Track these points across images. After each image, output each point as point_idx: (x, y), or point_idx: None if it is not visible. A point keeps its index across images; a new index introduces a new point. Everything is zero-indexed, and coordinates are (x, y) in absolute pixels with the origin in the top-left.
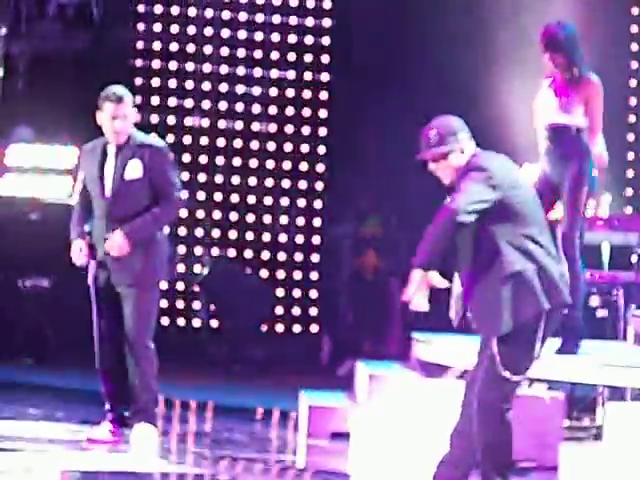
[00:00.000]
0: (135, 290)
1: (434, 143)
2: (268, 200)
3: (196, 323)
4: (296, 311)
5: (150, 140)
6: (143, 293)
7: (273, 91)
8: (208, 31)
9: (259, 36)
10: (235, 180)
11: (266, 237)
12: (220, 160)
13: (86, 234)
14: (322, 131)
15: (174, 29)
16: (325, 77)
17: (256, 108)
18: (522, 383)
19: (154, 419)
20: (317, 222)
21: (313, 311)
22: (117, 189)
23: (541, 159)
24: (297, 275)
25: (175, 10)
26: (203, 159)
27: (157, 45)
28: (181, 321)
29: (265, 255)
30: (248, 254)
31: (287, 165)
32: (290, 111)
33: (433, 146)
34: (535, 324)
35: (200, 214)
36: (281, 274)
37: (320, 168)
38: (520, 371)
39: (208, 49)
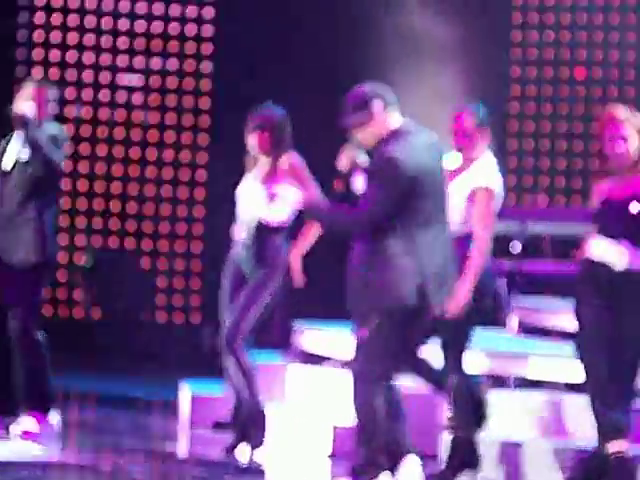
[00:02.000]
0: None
1: (350, 110)
2: (151, 190)
3: (79, 313)
4: (178, 301)
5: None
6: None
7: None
8: (89, 21)
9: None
10: (117, 170)
11: (147, 227)
12: (102, 150)
13: None
14: (204, 121)
15: (56, 20)
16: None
17: (137, 98)
18: None
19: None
20: (200, 212)
21: (195, 301)
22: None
23: None
24: (179, 265)
25: (57, 1)
26: (84, 149)
27: (38, 35)
28: (64, 311)
29: (147, 245)
30: (130, 244)
31: (170, 155)
32: (171, 101)
33: (350, 113)
34: None
35: (82, 204)
36: (163, 264)
37: (202, 159)
38: None
39: (90, 39)
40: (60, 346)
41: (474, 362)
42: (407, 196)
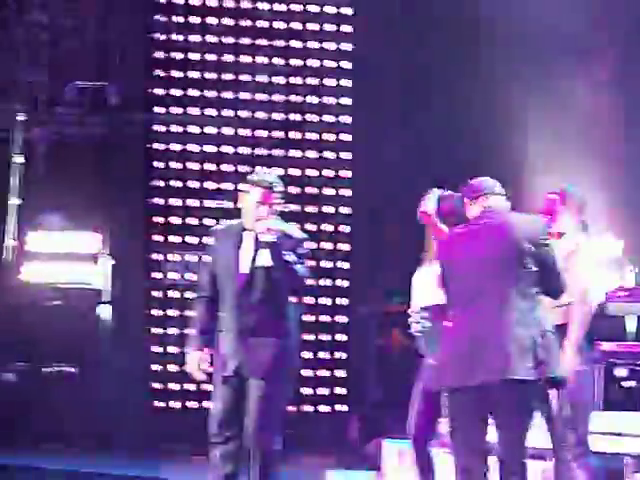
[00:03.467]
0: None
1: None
2: None
3: None
4: (323, 391)
5: (289, 229)
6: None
7: (296, 171)
8: (227, 112)
9: (278, 116)
10: None
11: None
12: None
13: (207, 342)
14: (345, 210)
15: (193, 111)
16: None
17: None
18: None
19: None
20: (343, 301)
21: (341, 390)
22: (250, 275)
23: None
24: (325, 355)
25: (193, 92)
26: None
27: (175, 128)
28: (207, 404)
29: None
30: None
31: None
32: (313, 190)
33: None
34: None
35: None
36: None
37: (345, 247)
38: None
39: (229, 130)
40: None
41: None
42: None
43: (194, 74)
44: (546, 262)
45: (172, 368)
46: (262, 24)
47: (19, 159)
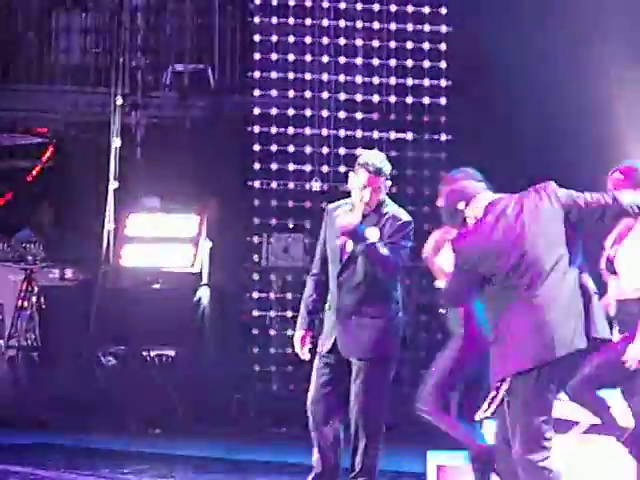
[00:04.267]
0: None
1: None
2: None
3: None
4: None
5: (396, 212)
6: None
7: (393, 152)
8: (325, 95)
9: (376, 98)
10: None
11: None
12: None
13: (314, 321)
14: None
15: (291, 94)
16: (443, 137)
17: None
18: None
19: None
20: None
21: None
22: (350, 257)
23: None
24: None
25: (291, 75)
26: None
27: (274, 111)
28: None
29: None
30: None
31: None
32: (410, 172)
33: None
34: None
35: None
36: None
37: None
38: None
39: (325, 113)
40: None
41: None
42: None
43: (292, 56)
44: None
45: (272, 350)
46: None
47: (118, 143)
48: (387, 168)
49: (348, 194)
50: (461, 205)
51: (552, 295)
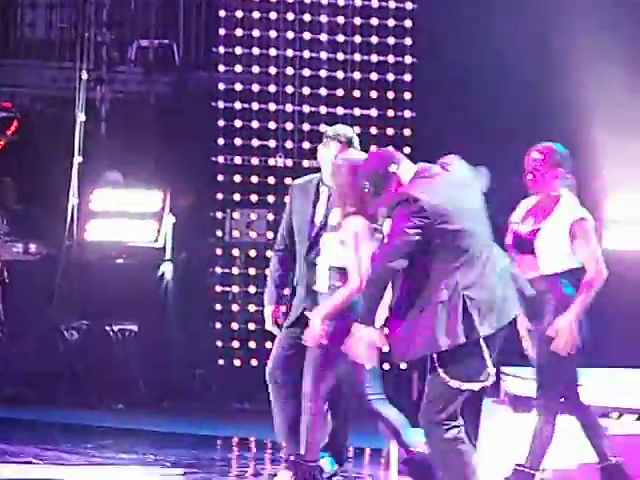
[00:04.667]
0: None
1: (372, 193)
2: None
3: None
4: None
5: None
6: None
7: (356, 129)
8: (289, 71)
9: (340, 74)
10: None
11: None
12: None
13: (282, 296)
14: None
15: (255, 69)
16: (407, 114)
17: None
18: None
19: None
20: None
21: None
22: (318, 234)
23: None
24: None
25: (256, 51)
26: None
27: (239, 86)
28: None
29: None
30: None
31: None
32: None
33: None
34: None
35: None
36: None
37: None
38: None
39: (289, 89)
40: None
41: None
42: None
43: (257, 32)
44: None
45: (234, 326)
46: None
47: (83, 117)
48: (356, 140)
49: (312, 170)
50: (393, 167)
51: None
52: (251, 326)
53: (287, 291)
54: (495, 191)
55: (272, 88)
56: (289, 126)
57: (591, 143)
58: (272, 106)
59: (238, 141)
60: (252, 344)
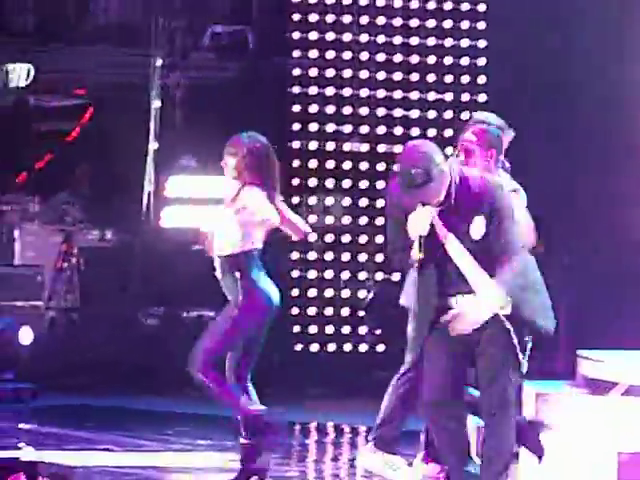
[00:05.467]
0: None
1: (421, 182)
2: None
3: (362, 348)
4: None
5: None
6: None
7: (431, 114)
8: (364, 56)
9: (415, 59)
10: None
11: None
12: (381, 184)
13: None
14: None
15: (330, 55)
16: (482, 98)
17: (415, 131)
18: None
19: None
20: None
21: None
22: None
23: None
24: None
25: (330, 36)
26: (363, 184)
27: (313, 71)
28: (347, 346)
29: None
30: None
31: None
32: (449, 133)
33: (421, 185)
34: None
35: (363, 239)
36: None
37: None
38: None
39: (364, 74)
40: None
41: None
42: None
43: (330, 17)
44: None
45: (311, 311)
46: None
47: (158, 104)
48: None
49: (387, 154)
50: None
51: None
52: (328, 311)
53: None
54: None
55: (347, 73)
56: (364, 111)
57: None
58: (347, 91)
59: (313, 126)
60: (329, 329)
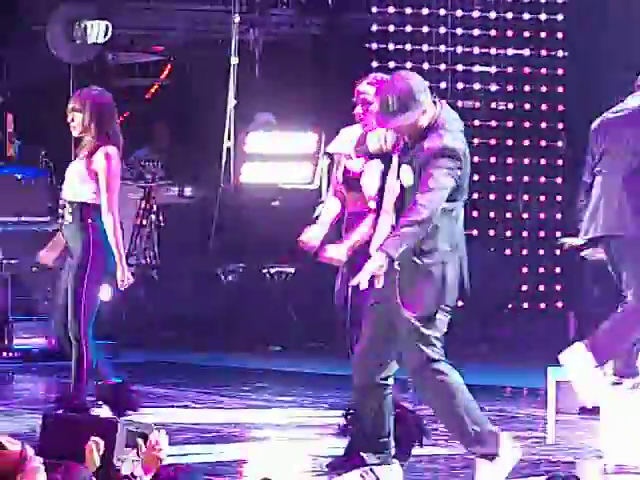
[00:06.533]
0: None
1: (396, 109)
2: (509, 178)
3: None
4: (541, 288)
5: None
6: None
7: (509, 69)
8: (442, 11)
9: (492, 14)
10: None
11: (508, 215)
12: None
13: None
14: (560, 108)
15: (408, 10)
16: (560, 53)
17: (493, 87)
18: None
19: None
20: (558, 198)
21: (557, 287)
22: None
23: None
24: (540, 252)
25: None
26: None
27: (392, 27)
28: None
29: (508, 233)
30: (491, 233)
31: (526, 142)
32: (527, 88)
33: (393, 113)
34: None
35: None
36: (525, 252)
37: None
38: None
39: (442, 30)
40: None
41: None
42: None
43: None
44: None
45: None
46: None
47: (236, 60)
48: None
49: (466, 110)
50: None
51: None
52: None
53: None
54: None
55: (425, 29)
56: (442, 67)
57: None
58: (425, 47)
59: None
60: None
